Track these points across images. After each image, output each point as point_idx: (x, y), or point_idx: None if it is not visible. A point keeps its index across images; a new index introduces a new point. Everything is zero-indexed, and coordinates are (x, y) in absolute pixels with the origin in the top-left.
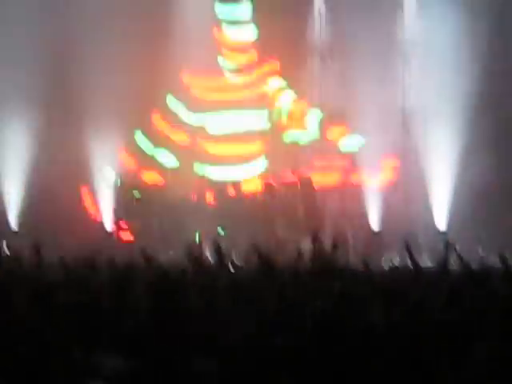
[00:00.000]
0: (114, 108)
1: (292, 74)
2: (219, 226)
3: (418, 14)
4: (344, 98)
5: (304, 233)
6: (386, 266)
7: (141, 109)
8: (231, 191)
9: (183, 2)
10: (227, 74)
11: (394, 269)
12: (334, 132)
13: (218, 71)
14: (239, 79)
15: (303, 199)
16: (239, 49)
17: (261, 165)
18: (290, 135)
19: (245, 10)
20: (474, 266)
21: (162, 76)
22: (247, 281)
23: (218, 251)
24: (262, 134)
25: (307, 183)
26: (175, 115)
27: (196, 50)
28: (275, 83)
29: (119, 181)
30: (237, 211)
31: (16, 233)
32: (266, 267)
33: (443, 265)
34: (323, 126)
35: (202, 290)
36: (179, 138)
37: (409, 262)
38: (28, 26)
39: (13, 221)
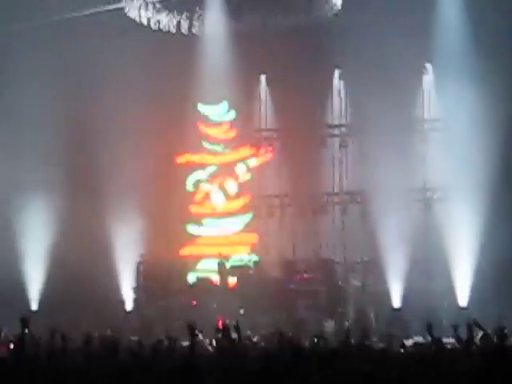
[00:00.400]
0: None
1: (311, 155)
2: (240, 306)
3: (436, 92)
4: (365, 177)
5: (326, 313)
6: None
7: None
8: (253, 273)
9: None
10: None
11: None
12: None
13: None
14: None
15: (325, 280)
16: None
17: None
18: None
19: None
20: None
21: None
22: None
23: (237, 330)
24: None
25: (329, 264)
26: None
27: None
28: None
29: (142, 262)
30: (258, 292)
31: (35, 312)
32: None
33: (467, 343)
34: None
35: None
36: None
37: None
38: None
39: (33, 300)
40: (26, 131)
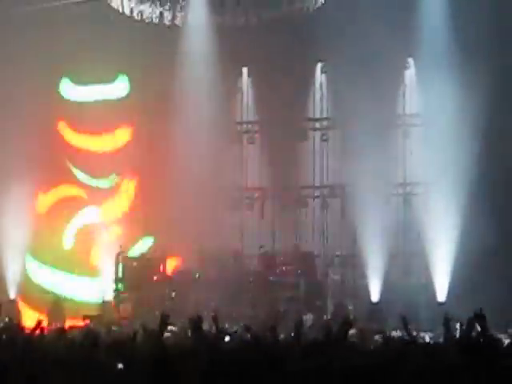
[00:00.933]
0: None
1: (292, 148)
2: (220, 297)
3: (418, 87)
4: (345, 171)
5: (305, 306)
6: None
7: None
8: (232, 263)
9: None
10: None
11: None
12: None
13: None
14: None
15: (304, 273)
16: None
17: None
18: None
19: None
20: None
21: None
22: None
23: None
24: None
25: (308, 257)
26: None
27: None
28: None
29: (121, 252)
30: (238, 284)
31: (12, 301)
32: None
33: (445, 339)
34: None
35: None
36: None
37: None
38: None
39: (11, 289)
40: None
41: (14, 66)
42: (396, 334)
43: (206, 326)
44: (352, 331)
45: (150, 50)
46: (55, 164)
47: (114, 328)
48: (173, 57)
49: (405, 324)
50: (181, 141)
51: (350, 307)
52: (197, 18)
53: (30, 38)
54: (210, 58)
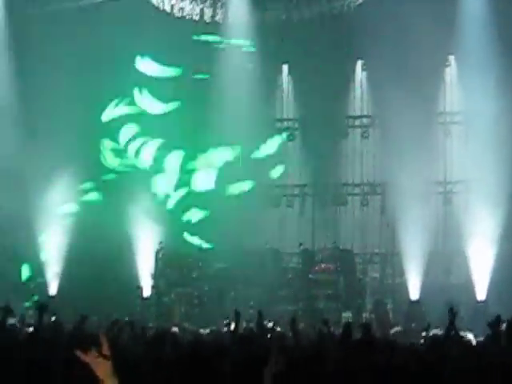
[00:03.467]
0: None
1: (332, 145)
2: (259, 295)
3: (459, 85)
4: (385, 169)
5: (344, 304)
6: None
7: None
8: (270, 260)
9: None
10: None
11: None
12: None
13: None
14: None
15: (343, 270)
16: None
17: None
18: None
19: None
20: None
21: None
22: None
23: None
24: None
25: (348, 255)
26: None
27: None
28: None
29: (161, 248)
30: (277, 281)
31: (53, 297)
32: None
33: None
34: None
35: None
36: None
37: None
38: None
39: (51, 285)
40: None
41: (55, 65)
42: (437, 331)
43: (245, 323)
44: (396, 329)
45: (190, 47)
46: None
47: (151, 324)
48: (212, 54)
49: (453, 316)
50: (219, 134)
51: (389, 305)
52: (237, 14)
53: (70, 36)
54: (250, 54)
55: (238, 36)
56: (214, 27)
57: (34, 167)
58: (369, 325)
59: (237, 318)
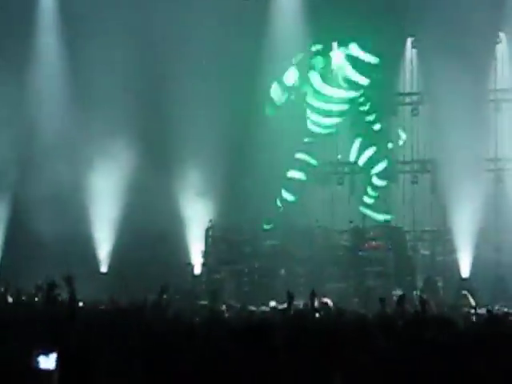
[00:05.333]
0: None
1: (382, 122)
2: (309, 272)
3: (510, 62)
4: (436, 146)
5: (394, 281)
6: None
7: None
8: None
9: None
10: None
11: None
12: None
13: None
14: None
15: (394, 248)
16: None
17: None
18: None
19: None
20: None
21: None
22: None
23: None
24: None
25: (398, 232)
26: None
27: None
28: None
29: (211, 226)
30: (327, 259)
31: (105, 274)
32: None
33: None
34: None
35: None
36: None
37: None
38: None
39: (103, 262)
40: (102, 85)
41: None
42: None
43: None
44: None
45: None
46: None
47: (202, 302)
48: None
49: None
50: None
51: (440, 283)
52: None
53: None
54: (302, 33)
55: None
56: None
57: None
58: (425, 300)
59: (290, 299)
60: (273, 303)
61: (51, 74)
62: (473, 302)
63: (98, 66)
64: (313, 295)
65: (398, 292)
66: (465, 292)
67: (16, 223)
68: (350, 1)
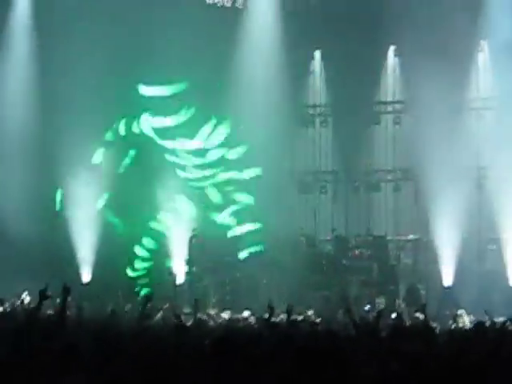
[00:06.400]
0: None
1: (364, 131)
2: (292, 281)
3: (491, 70)
4: (418, 154)
5: (377, 290)
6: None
7: None
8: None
9: None
10: None
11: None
12: None
13: None
14: None
15: (376, 257)
16: None
17: None
18: None
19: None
20: None
21: None
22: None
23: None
24: None
25: (381, 241)
26: None
27: None
28: None
29: (194, 234)
30: (310, 268)
31: (87, 284)
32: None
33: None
34: None
35: None
36: None
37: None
38: None
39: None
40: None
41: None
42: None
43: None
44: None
45: (220, 33)
46: None
47: (186, 311)
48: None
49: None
50: (248, 123)
51: (423, 291)
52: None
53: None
54: (279, 41)
55: (267, 21)
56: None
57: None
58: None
59: (270, 311)
60: (246, 313)
61: (22, 76)
62: (467, 322)
63: (70, 71)
64: (290, 309)
65: (381, 300)
66: (461, 312)
67: None
68: (328, 11)
